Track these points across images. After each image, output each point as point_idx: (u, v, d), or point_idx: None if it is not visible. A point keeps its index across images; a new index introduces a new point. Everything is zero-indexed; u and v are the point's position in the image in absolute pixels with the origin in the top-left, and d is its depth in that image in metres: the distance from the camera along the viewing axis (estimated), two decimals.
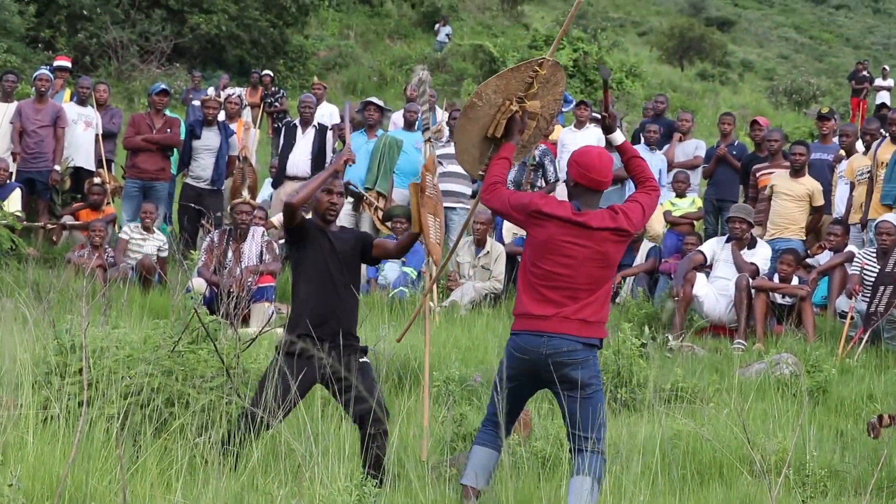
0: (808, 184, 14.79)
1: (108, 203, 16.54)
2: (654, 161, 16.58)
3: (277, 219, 16.06)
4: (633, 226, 7.09)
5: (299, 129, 17.02)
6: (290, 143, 16.93)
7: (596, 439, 6.89)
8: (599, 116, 8.59)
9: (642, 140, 17.38)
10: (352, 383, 7.34)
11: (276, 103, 24.12)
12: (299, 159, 16.75)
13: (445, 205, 13.21)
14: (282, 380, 7.30)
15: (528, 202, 7.10)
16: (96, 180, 16.64)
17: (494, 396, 7.00)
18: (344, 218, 15.56)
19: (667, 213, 16.25)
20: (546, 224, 6.97)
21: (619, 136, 7.70)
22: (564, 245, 6.92)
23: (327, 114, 19.91)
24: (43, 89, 16.61)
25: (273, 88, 24.84)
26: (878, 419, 8.46)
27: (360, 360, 7.69)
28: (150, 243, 15.06)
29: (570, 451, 6.99)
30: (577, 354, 6.88)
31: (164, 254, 15.04)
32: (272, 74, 26.56)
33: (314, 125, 17.05)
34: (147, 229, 15.15)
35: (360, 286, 8.04)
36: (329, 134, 17.19)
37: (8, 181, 15.69)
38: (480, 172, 7.70)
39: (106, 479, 6.51)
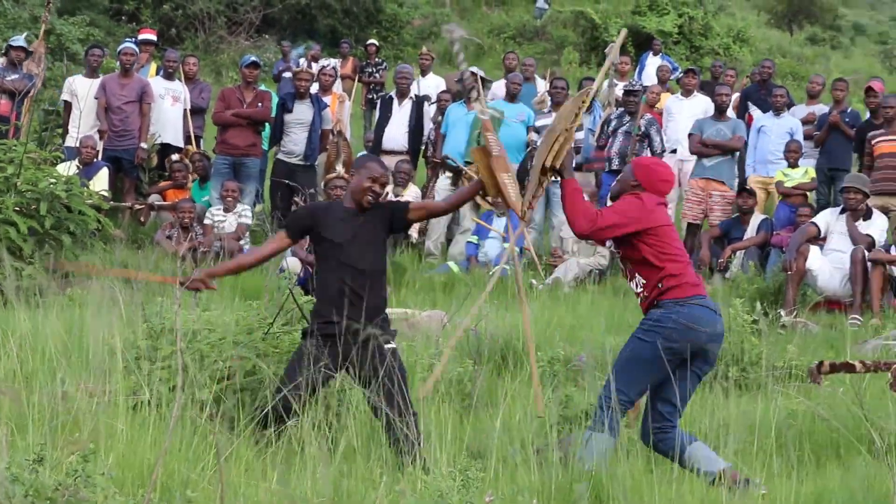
0: None
1: (193, 176, 16.34)
2: (783, 125, 16.34)
3: None
4: None
5: (395, 102, 16.77)
6: (385, 115, 16.74)
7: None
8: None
9: (750, 107, 16.93)
10: (374, 373, 7.17)
11: (377, 74, 23.87)
12: (396, 132, 16.54)
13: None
14: (306, 366, 7.10)
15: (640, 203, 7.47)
16: (175, 157, 16.50)
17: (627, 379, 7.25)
18: (443, 192, 15.35)
19: (779, 184, 15.81)
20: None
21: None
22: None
23: (433, 85, 19.66)
24: (128, 64, 16.41)
25: (377, 59, 24.59)
26: (818, 366, 8.10)
27: (387, 346, 7.37)
28: (231, 220, 14.89)
29: (661, 428, 7.32)
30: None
31: (247, 221, 14.87)
32: (377, 44, 26.27)
33: (411, 97, 16.81)
34: (228, 210, 14.97)
35: (385, 264, 7.80)
36: (427, 107, 16.91)
37: (95, 160, 15.55)
38: (526, 209, 7.69)
39: (199, 466, 6.38)
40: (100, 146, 15.85)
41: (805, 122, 16.90)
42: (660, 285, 7.27)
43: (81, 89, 16.15)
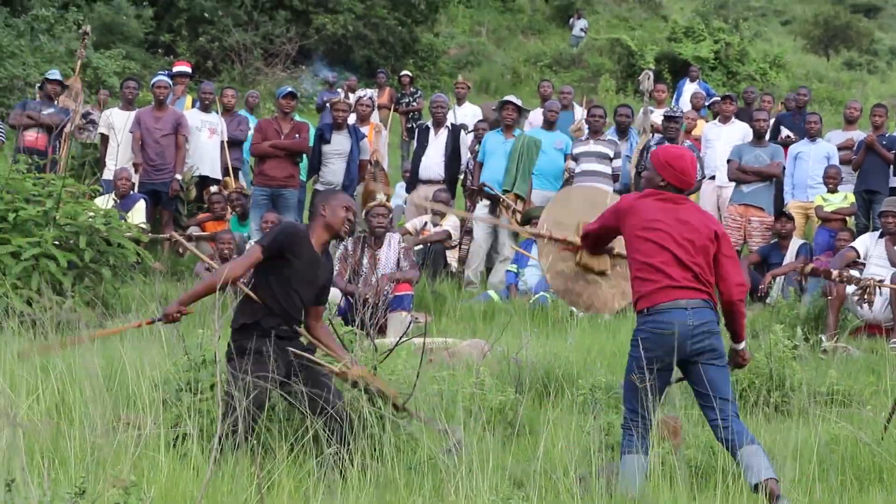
0: None
1: (231, 212, 16.37)
2: (820, 150, 16.31)
3: (412, 224, 15.84)
4: None
5: (432, 131, 16.79)
6: (422, 145, 16.75)
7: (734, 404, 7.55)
8: None
9: (783, 133, 16.88)
10: (308, 384, 7.39)
11: (414, 103, 23.94)
12: (432, 162, 16.54)
13: None
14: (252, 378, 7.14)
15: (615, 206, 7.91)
16: (213, 189, 16.54)
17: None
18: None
19: (818, 209, 15.73)
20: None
21: None
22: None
23: (470, 114, 19.76)
24: (162, 97, 16.52)
25: (412, 89, 24.67)
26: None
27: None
28: None
29: (714, 423, 7.44)
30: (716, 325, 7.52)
31: None
32: (411, 75, 26.36)
33: (447, 126, 16.82)
34: None
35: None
36: (464, 135, 16.92)
37: (131, 192, 15.61)
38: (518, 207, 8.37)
39: (242, 497, 6.37)
40: (135, 178, 15.91)
41: (843, 147, 16.83)
42: (634, 295, 7.61)
43: (118, 122, 16.26)
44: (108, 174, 16.02)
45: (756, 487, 6.99)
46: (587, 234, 8.26)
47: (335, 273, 12.61)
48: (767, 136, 16.54)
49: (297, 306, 7.74)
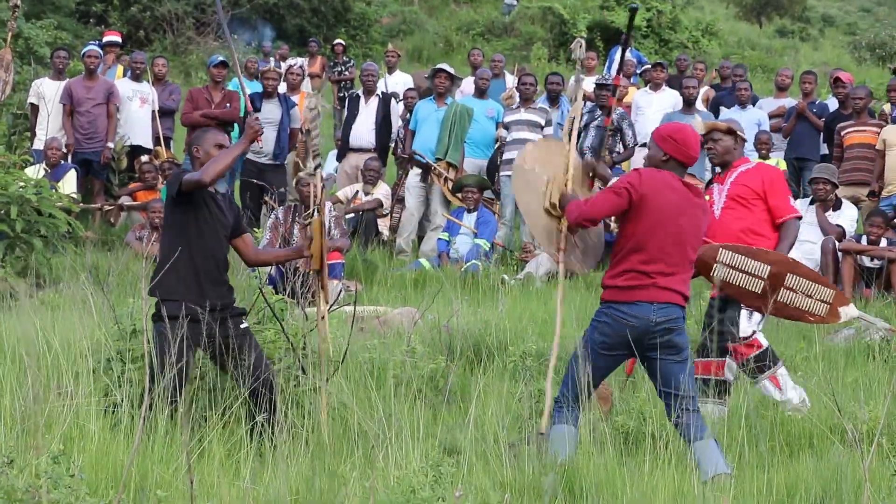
0: None
1: (163, 181, 16.29)
2: (751, 117, 16.34)
3: (343, 193, 15.83)
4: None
5: (362, 100, 16.74)
6: (353, 113, 16.69)
7: (693, 398, 7.45)
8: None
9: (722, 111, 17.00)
10: (236, 350, 7.33)
11: (346, 72, 23.88)
12: (363, 130, 16.50)
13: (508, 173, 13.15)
14: (175, 347, 7.02)
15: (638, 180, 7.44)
16: (144, 159, 16.45)
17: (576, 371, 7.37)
18: (412, 189, 15.36)
19: None
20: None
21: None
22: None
23: (401, 82, 19.71)
24: (93, 66, 16.40)
25: (344, 58, 24.58)
26: None
27: (241, 325, 7.60)
28: None
29: (671, 417, 7.43)
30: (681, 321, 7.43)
31: None
32: (344, 44, 26.25)
33: (377, 94, 16.77)
34: None
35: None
36: (395, 104, 16.90)
37: (62, 161, 15.50)
38: (555, 251, 8.15)
39: (172, 466, 6.38)
40: (65, 148, 15.79)
41: (775, 115, 16.95)
42: (613, 278, 7.48)
43: (49, 92, 16.11)
44: (38, 144, 15.87)
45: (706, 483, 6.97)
46: (588, 219, 7.68)
47: (266, 242, 12.58)
48: (700, 104, 16.65)
49: (215, 247, 7.66)
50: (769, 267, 8.44)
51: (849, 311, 8.77)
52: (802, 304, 8.56)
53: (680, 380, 7.32)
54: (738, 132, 9.01)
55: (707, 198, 8.69)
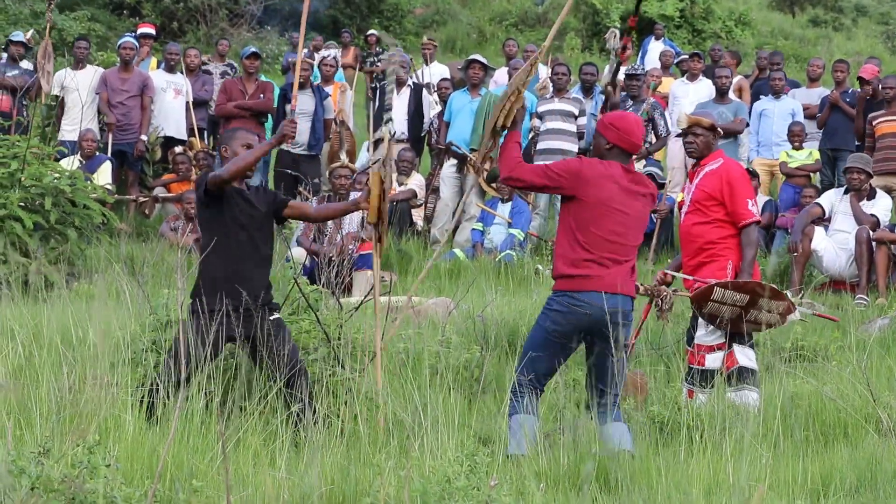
0: None
1: (196, 172, 16.32)
2: (784, 107, 16.33)
3: None
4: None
5: (394, 91, 16.72)
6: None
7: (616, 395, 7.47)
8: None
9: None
10: (268, 343, 7.35)
11: (378, 63, 23.86)
12: (395, 120, 16.45)
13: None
14: (196, 340, 7.09)
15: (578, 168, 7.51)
16: (178, 150, 16.50)
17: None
18: (447, 179, 15.35)
19: (782, 165, 15.80)
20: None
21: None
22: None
23: (437, 73, 19.67)
24: (127, 58, 16.49)
25: (377, 49, 24.57)
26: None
27: (272, 317, 7.58)
28: None
29: (596, 403, 7.48)
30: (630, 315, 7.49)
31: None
32: (377, 34, 26.25)
33: (409, 84, 16.77)
34: None
35: (273, 246, 7.97)
36: (427, 94, 16.89)
37: (97, 153, 15.55)
38: (486, 166, 8.39)
39: (207, 456, 6.39)
40: (108, 139, 15.88)
41: (807, 105, 16.86)
42: (561, 267, 7.46)
43: (73, 82, 16.15)
44: (64, 135, 15.99)
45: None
46: (515, 179, 7.80)
47: (300, 232, 12.61)
48: (732, 94, 16.58)
49: (244, 244, 7.64)
50: (747, 296, 8.47)
51: (793, 317, 8.93)
52: (766, 319, 8.63)
53: (613, 377, 7.33)
54: (718, 128, 9.03)
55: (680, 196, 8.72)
